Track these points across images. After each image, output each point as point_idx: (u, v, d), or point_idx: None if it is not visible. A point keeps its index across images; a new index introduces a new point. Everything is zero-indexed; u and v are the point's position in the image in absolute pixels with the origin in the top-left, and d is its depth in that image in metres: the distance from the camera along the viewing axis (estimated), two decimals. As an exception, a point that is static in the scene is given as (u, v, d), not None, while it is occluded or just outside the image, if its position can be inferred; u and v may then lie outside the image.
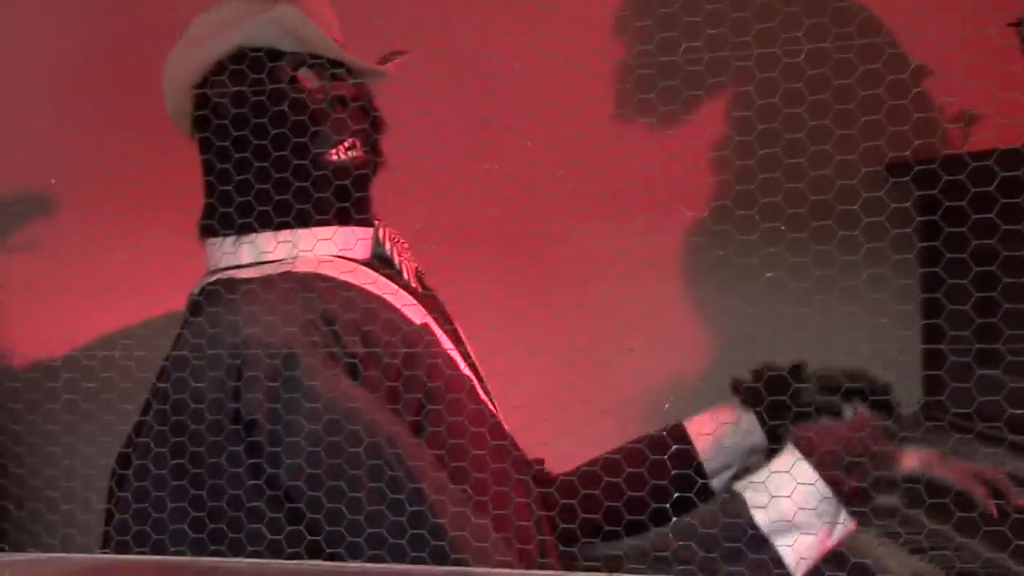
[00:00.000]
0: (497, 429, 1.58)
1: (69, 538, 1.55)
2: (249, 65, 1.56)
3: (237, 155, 1.55)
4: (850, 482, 1.44)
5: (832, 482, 1.44)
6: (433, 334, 1.57)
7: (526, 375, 1.67)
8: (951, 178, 1.47)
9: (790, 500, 1.43)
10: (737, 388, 1.71)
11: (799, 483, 1.43)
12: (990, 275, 1.71)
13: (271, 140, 1.54)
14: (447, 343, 1.59)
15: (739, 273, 1.84)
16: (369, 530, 1.35)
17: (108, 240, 2.06)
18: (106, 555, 1.42)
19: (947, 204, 1.45)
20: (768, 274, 1.82)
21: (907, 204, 1.90)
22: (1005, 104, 1.44)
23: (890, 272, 1.62)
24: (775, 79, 1.58)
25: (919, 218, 1.94)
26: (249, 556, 1.37)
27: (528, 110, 2.01)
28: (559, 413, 1.73)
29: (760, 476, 1.46)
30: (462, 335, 1.67)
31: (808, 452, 1.45)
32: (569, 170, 1.99)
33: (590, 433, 1.79)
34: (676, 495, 1.59)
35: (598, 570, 1.44)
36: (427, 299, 1.63)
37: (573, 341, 2.07)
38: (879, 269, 1.58)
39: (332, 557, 1.36)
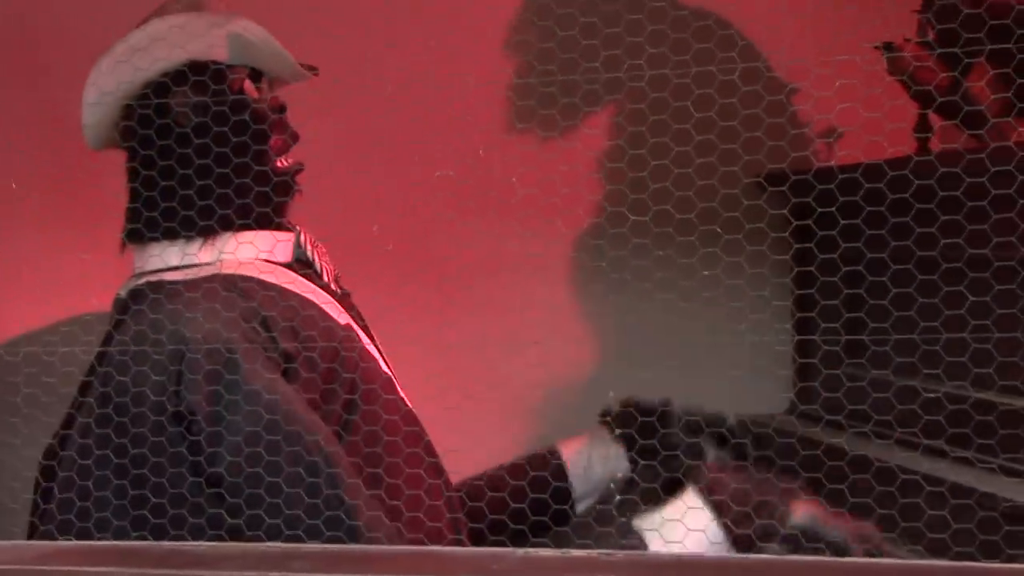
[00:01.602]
0: (413, 420, 1.65)
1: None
2: (202, 77, 1.59)
3: (186, 163, 1.58)
4: (741, 529, 1.48)
5: (726, 529, 1.48)
6: (357, 336, 1.63)
7: (430, 368, 1.74)
8: (822, 188, 1.57)
9: (693, 546, 1.47)
10: (606, 420, 1.79)
11: (694, 529, 1.48)
12: (857, 274, 1.85)
13: (228, 149, 1.57)
14: (367, 342, 1.66)
15: (633, 272, 1.92)
16: (306, 522, 1.39)
17: (27, 242, 2.07)
18: (67, 542, 1.45)
19: (819, 211, 1.56)
20: (659, 274, 1.93)
21: (783, 211, 2.02)
22: (870, 122, 1.52)
23: (768, 272, 1.73)
24: (665, 98, 1.66)
25: (794, 223, 2.04)
26: (191, 548, 1.40)
27: (430, 123, 2.06)
28: (469, 403, 1.79)
29: (658, 519, 1.50)
30: (373, 333, 1.72)
31: (711, 501, 1.50)
32: (469, 177, 2.06)
33: (493, 423, 1.87)
34: (553, 508, 1.65)
35: None
36: (345, 300, 1.69)
37: (472, 336, 2.13)
38: (759, 269, 1.67)
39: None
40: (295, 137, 1.66)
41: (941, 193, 1.45)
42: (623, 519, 1.55)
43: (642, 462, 1.71)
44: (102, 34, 1.63)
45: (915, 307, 1.54)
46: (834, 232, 1.63)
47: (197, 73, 1.60)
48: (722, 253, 1.65)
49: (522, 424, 2.14)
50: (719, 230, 1.66)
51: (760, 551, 1.48)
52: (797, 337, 2.11)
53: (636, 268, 1.91)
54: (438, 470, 1.67)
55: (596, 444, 1.79)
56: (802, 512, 1.51)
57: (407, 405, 1.68)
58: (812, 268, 1.89)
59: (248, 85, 1.64)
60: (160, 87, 1.60)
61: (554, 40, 1.79)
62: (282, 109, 1.66)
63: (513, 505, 1.71)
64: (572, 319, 2.23)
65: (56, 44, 2.10)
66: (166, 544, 1.41)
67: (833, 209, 1.53)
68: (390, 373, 1.68)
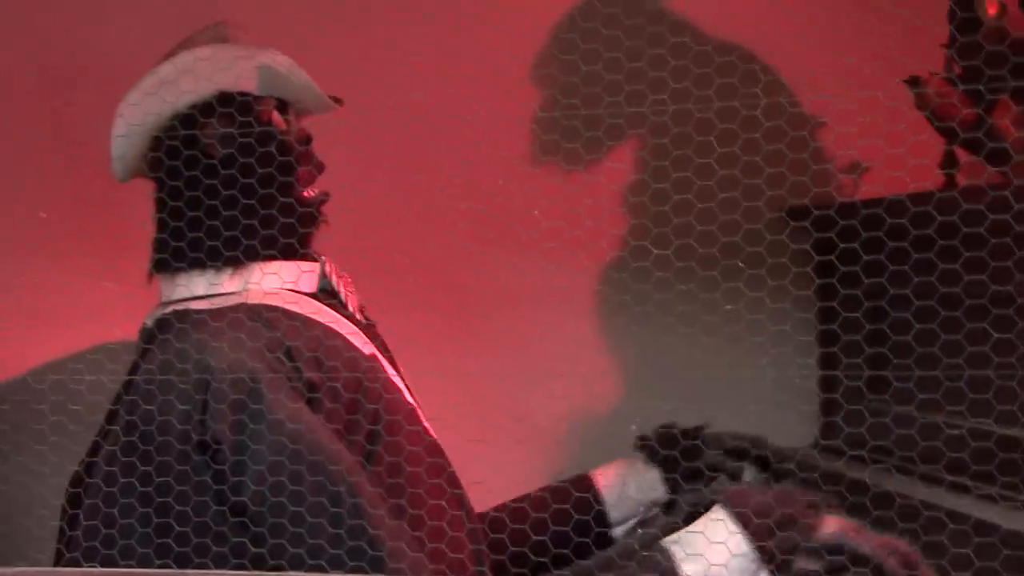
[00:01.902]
0: (437, 451, 1.65)
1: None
2: (231, 109, 1.60)
3: (214, 194, 1.59)
4: (772, 545, 1.46)
5: (757, 543, 1.46)
6: (382, 366, 1.63)
7: (455, 399, 1.74)
8: (845, 223, 1.56)
9: (717, 558, 1.46)
10: (642, 445, 1.80)
11: (733, 553, 1.46)
12: (880, 310, 1.85)
13: (257, 180, 1.59)
14: (394, 374, 1.66)
15: (656, 306, 1.93)
16: (330, 552, 1.40)
17: (53, 271, 2.09)
18: (92, 568, 1.46)
19: (842, 246, 1.53)
20: (681, 308, 1.94)
21: (806, 246, 1.98)
22: (895, 156, 1.54)
23: (791, 307, 1.73)
24: (688, 132, 1.68)
25: (817, 258, 2.00)
26: (219, 576, 1.40)
27: (455, 152, 2.08)
28: (491, 433, 1.80)
29: (692, 539, 1.48)
30: (398, 364, 1.73)
31: (743, 521, 1.47)
32: (492, 208, 2.08)
33: (516, 455, 1.88)
34: (576, 540, 1.64)
35: None
36: (369, 329, 1.70)
37: (495, 367, 2.12)
38: (782, 304, 1.66)
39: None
40: (321, 167, 1.68)
41: (965, 229, 1.45)
42: (652, 533, 1.54)
43: (685, 486, 1.72)
44: (129, 65, 1.66)
45: (938, 343, 1.54)
46: (857, 267, 1.64)
47: (225, 104, 1.62)
48: (745, 288, 1.65)
49: (545, 456, 2.14)
50: (742, 264, 1.66)
51: (788, 564, 1.47)
52: (820, 372, 2.10)
53: (659, 302, 1.91)
54: (461, 501, 1.67)
55: (630, 470, 1.80)
56: (831, 526, 1.50)
57: (431, 436, 1.68)
58: (834, 303, 1.89)
59: (276, 116, 1.66)
60: (189, 118, 1.62)
61: (578, 75, 1.81)
62: (308, 140, 1.68)
63: (536, 537, 1.71)
64: (595, 352, 2.23)
65: (84, 76, 2.11)
66: (190, 572, 1.42)
67: (856, 244, 1.53)
68: (414, 404, 1.68)
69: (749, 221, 1.75)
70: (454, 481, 1.68)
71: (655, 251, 1.85)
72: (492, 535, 1.73)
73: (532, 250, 2.14)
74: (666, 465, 1.78)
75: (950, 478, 1.67)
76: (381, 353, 1.68)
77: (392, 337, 1.75)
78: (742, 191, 1.71)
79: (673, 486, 1.76)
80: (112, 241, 1.98)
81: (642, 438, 1.81)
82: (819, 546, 1.47)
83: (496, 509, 1.81)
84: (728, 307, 1.77)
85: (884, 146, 1.56)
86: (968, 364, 1.50)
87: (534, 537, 1.70)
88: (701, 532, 1.48)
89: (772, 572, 1.48)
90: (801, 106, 2.06)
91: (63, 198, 2.03)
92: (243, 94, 1.63)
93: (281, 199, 1.61)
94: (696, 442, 1.77)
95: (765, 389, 1.99)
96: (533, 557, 1.67)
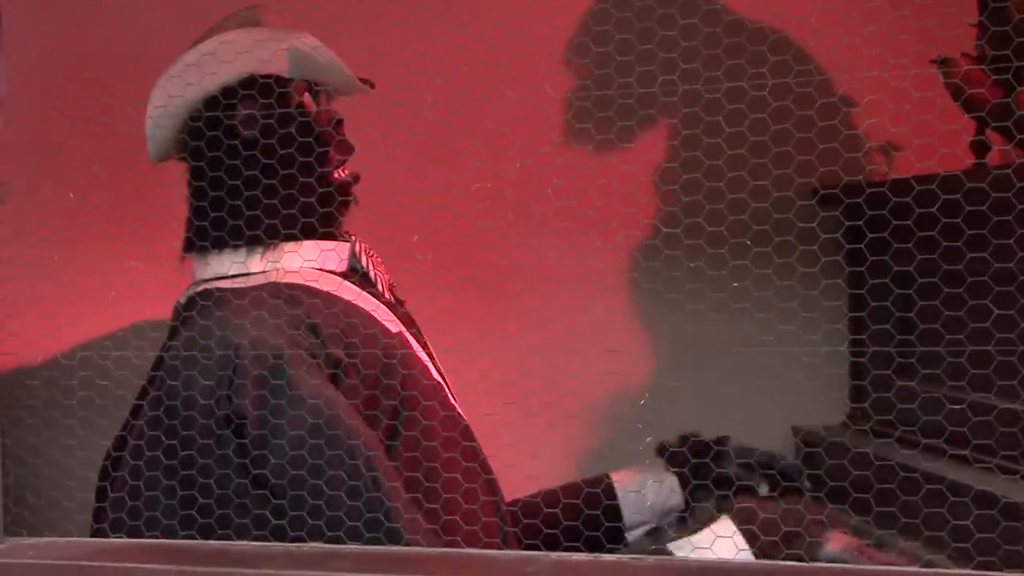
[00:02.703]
0: (466, 432, 1.67)
1: (84, 524, 1.65)
2: (264, 92, 1.63)
3: (244, 176, 1.62)
4: (778, 557, 1.48)
5: (763, 556, 1.48)
6: (408, 343, 1.66)
7: (487, 378, 1.76)
8: (875, 212, 1.56)
9: None
10: (663, 452, 1.80)
11: (734, 552, 1.48)
12: (908, 298, 1.86)
13: (289, 161, 1.62)
14: (420, 351, 1.68)
15: (687, 293, 1.93)
16: (347, 524, 1.42)
17: (84, 251, 2.13)
18: (119, 539, 1.50)
19: (871, 235, 1.56)
20: (712, 294, 1.94)
21: (836, 235, 2.02)
22: (928, 137, 1.54)
23: (821, 295, 1.71)
24: (719, 121, 1.68)
25: (847, 246, 2.04)
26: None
27: (482, 136, 2.08)
28: (521, 416, 1.81)
29: (700, 541, 1.50)
30: (428, 343, 1.75)
31: (745, 530, 1.49)
32: (519, 193, 2.07)
33: (547, 432, 1.88)
34: (587, 534, 1.66)
35: None
36: (398, 309, 1.72)
37: (530, 347, 2.13)
38: (811, 292, 1.67)
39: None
40: (351, 149, 1.70)
41: (993, 217, 1.45)
42: (662, 540, 1.56)
43: (695, 500, 1.74)
44: (161, 52, 1.69)
45: (966, 330, 1.54)
46: (886, 256, 1.65)
47: (255, 87, 1.64)
48: (774, 276, 1.65)
49: (576, 438, 2.15)
50: (772, 253, 1.67)
51: None
52: (850, 359, 2.11)
53: (690, 290, 1.91)
54: (492, 487, 1.69)
55: (649, 474, 1.81)
56: (837, 543, 1.52)
57: (461, 417, 1.70)
58: (863, 291, 1.90)
59: (306, 98, 1.68)
60: (218, 101, 1.65)
61: (611, 65, 1.82)
62: (339, 122, 1.70)
63: (565, 522, 1.72)
64: (626, 336, 2.24)
65: (116, 62, 2.15)
66: (212, 543, 1.45)
67: (885, 234, 1.53)
68: (441, 381, 1.70)
69: (779, 210, 1.76)
70: (487, 467, 1.70)
71: (686, 240, 1.87)
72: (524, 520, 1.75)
73: (563, 234, 2.16)
74: (685, 474, 1.78)
75: (979, 460, 1.67)
76: (409, 331, 1.69)
77: (421, 320, 1.77)
78: (773, 179, 1.72)
79: (692, 494, 1.76)
80: (144, 222, 2.01)
81: (661, 448, 1.82)
82: (821, 558, 1.48)
83: (511, 504, 1.81)
84: (758, 295, 1.76)
85: (915, 130, 1.57)
86: (997, 350, 1.50)
87: (548, 531, 1.71)
88: (708, 547, 1.49)
89: None
90: (834, 91, 2.06)
91: (97, 179, 2.07)
92: (273, 76, 1.65)
93: (310, 180, 1.63)
94: (719, 448, 1.77)
95: (796, 375, 1.98)
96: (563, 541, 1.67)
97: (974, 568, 1.32)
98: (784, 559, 1.47)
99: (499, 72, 2.09)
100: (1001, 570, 1.19)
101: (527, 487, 1.82)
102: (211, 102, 1.66)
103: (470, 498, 1.57)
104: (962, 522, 1.42)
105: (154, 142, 1.70)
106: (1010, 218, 1.49)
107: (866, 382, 2.02)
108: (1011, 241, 1.50)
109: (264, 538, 1.45)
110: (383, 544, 1.42)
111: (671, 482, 1.79)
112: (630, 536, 1.79)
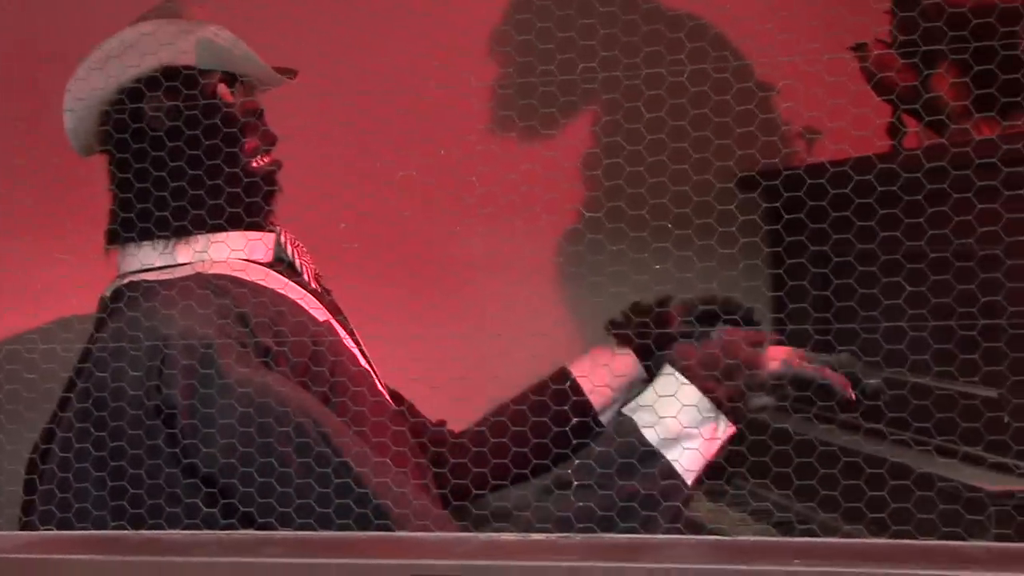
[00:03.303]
0: (395, 418, 1.69)
1: (12, 518, 1.65)
2: (176, 83, 1.64)
3: (160, 166, 1.62)
4: (724, 389, 1.53)
5: (709, 393, 1.53)
6: (335, 331, 1.67)
7: (414, 364, 1.77)
8: (791, 194, 1.61)
9: (675, 418, 1.52)
10: (612, 330, 1.82)
11: (681, 402, 1.52)
12: (825, 277, 1.91)
13: (202, 152, 1.62)
14: (347, 339, 1.70)
15: (611, 277, 1.96)
16: (298, 502, 1.44)
17: (14, 245, 2.11)
18: (49, 531, 1.50)
19: (788, 216, 1.58)
20: (635, 276, 1.96)
21: (755, 216, 2.04)
22: (844, 120, 1.59)
23: (740, 275, 1.73)
24: (639, 108, 1.72)
25: (765, 228, 2.09)
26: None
27: (409, 126, 2.12)
28: (447, 400, 1.83)
29: (646, 399, 1.55)
30: (355, 330, 1.76)
31: (685, 370, 1.55)
32: (444, 181, 2.10)
33: (476, 416, 1.90)
34: (573, 440, 1.66)
35: (487, 519, 1.51)
36: (324, 298, 1.74)
37: (452, 331, 2.17)
38: (731, 272, 1.70)
39: (263, 528, 1.45)
40: (271, 139, 1.71)
41: (905, 196, 1.49)
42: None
43: (655, 366, 1.71)
44: (85, 42, 1.69)
45: (880, 307, 1.59)
46: (803, 236, 1.69)
47: (169, 78, 1.65)
48: (695, 258, 1.69)
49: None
50: (692, 235, 1.70)
51: (747, 405, 1.55)
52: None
53: (613, 273, 1.94)
54: (422, 470, 1.71)
55: (602, 356, 1.82)
56: (776, 357, 1.59)
57: (389, 403, 1.72)
58: (782, 271, 1.94)
59: (221, 89, 1.68)
60: (134, 92, 1.66)
61: (533, 53, 1.85)
62: (256, 112, 1.70)
63: (534, 418, 1.75)
64: (552, 320, 2.27)
65: (38, 53, 2.14)
66: (143, 532, 1.46)
67: (802, 215, 1.57)
68: (369, 369, 1.71)
69: (700, 193, 1.79)
70: (415, 450, 1.72)
71: (608, 224, 1.90)
72: (482, 447, 1.77)
73: (488, 221, 2.18)
74: (639, 347, 1.79)
75: (892, 434, 1.72)
76: (335, 319, 1.71)
77: (348, 308, 1.78)
78: (692, 163, 1.75)
79: (650, 363, 1.77)
80: (69, 214, 2.01)
81: (612, 323, 1.83)
82: (768, 379, 1.55)
83: (479, 423, 1.84)
84: (679, 276, 1.78)
85: (832, 114, 1.60)
86: (909, 326, 1.55)
87: (515, 428, 1.73)
88: (651, 404, 1.53)
89: (729, 416, 1.54)
90: (752, 76, 2.11)
91: (21, 175, 2.06)
92: (186, 68, 1.66)
93: (228, 170, 1.64)
94: (664, 310, 1.78)
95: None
96: (533, 459, 1.70)
97: (890, 537, 1.37)
98: (727, 394, 1.53)
99: (423, 61, 2.12)
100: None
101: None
102: (124, 94, 1.66)
103: (401, 482, 1.58)
104: (878, 493, 1.46)
105: (74, 134, 1.70)
106: (920, 198, 1.53)
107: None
108: (922, 220, 1.55)
109: (195, 527, 1.46)
110: (355, 511, 1.43)
111: (627, 359, 1.80)
112: (603, 417, 1.80)
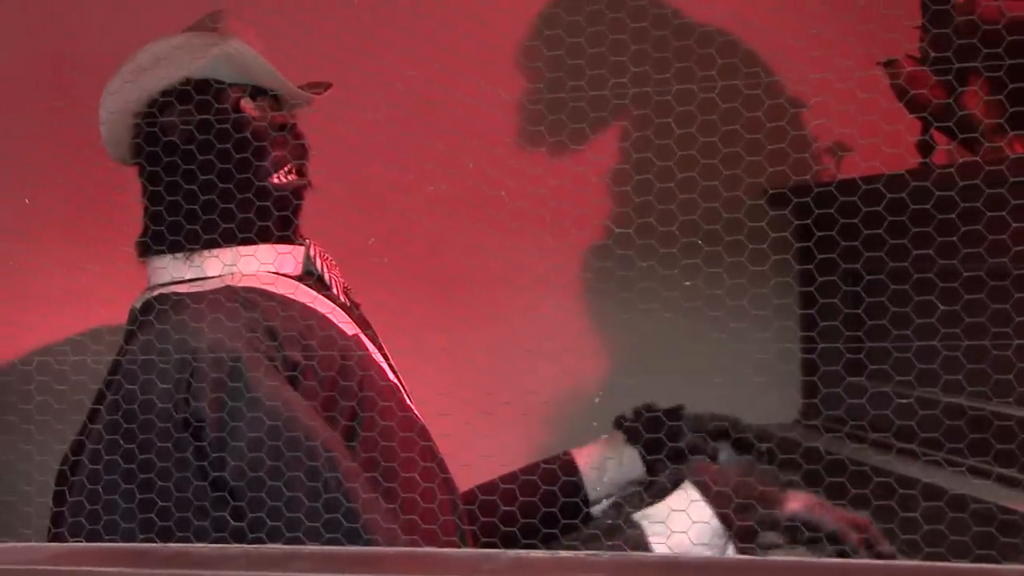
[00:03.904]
0: (423, 432, 1.68)
1: (42, 529, 1.65)
2: (199, 96, 1.64)
3: (186, 179, 1.63)
4: (739, 520, 1.52)
5: (724, 519, 1.52)
6: (364, 345, 1.67)
7: (443, 378, 1.78)
8: (822, 211, 1.60)
9: (686, 535, 1.50)
10: (620, 425, 1.83)
11: (695, 520, 1.51)
12: (856, 295, 1.89)
13: (224, 165, 1.62)
14: (375, 353, 1.69)
15: (640, 293, 1.96)
16: (307, 525, 1.43)
17: (40, 256, 2.12)
18: (78, 544, 1.50)
19: (819, 234, 1.59)
20: (664, 293, 1.96)
21: (786, 233, 2.05)
22: (878, 138, 1.58)
23: (771, 292, 1.75)
24: (669, 124, 1.68)
25: (796, 245, 2.08)
26: (201, 548, 1.44)
27: (438, 140, 2.12)
28: (475, 415, 1.83)
29: (660, 511, 1.54)
30: (383, 344, 1.76)
31: (705, 491, 1.54)
32: (474, 195, 2.11)
33: (504, 431, 1.90)
34: (563, 522, 1.66)
35: None
36: (353, 312, 1.73)
37: (484, 349, 2.17)
38: (762, 290, 1.70)
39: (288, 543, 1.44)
40: (301, 153, 1.71)
41: (938, 215, 1.48)
42: (628, 511, 1.58)
43: (654, 472, 1.74)
44: (119, 54, 1.69)
45: (913, 326, 1.57)
46: (834, 254, 1.67)
47: (195, 91, 1.66)
48: (725, 275, 1.68)
49: (533, 437, 2.17)
50: (723, 252, 1.69)
51: (753, 537, 1.53)
52: (801, 356, 2.14)
53: (642, 289, 1.94)
54: (449, 486, 1.70)
55: (610, 449, 1.83)
56: (796, 501, 1.57)
57: (417, 418, 1.71)
58: (813, 289, 1.93)
59: (245, 103, 1.68)
60: (162, 105, 1.67)
61: (563, 68, 1.84)
62: (283, 126, 1.70)
63: (524, 513, 1.74)
64: (580, 336, 2.26)
65: (72, 65, 2.15)
66: (172, 546, 1.45)
67: (833, 232, 1.57)
68: (398, 383, 1.71)
69: (730, 210, 1.78)
70: (443, 466, 1.71)
71: (638, 240, 1.89)
72: (481, 517, 1.76)
73: (516, 236, 2.18)
74: (646, 446, 1.80)
75: (925, 454, 1.70)
76: (364, 334, 1.70)
77: (377, 322, 1.78)
78: (722, 180, 1.75)
79: (652, 466, 1.78)
80: (100, 225, 2.01)
81: (622, 418, 1.84)
82: (782, 519, 1.53)
83: (482, 489, 1.83)
84: (709, 293, 1.78)
85: (862, 130, 1.59)
86: (943, 345, 1.54)
87: (505, 508, 1.73)
88: (663, 520, 1.52)
89: (738, 544, 1.52)
90: (783, 92, 2.10)
91: (53, 184, 2.07)
92: (213, 81, 1.67)
93: (254, 184, 1.64)
94: (675, 423, 1.79)
95: (747, 372, 2.01)
96: (520, 538, 1.69)
97: (923, 559, 1.35)
98: (737, 511, 1.52)
99: (452, 75, 2.12)
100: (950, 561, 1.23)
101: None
102: (152, 106, 1.67)
103: (428, 497, 1.58)
104: (911, 514, 1.45)
105: (109, 144, 1.71)
106: (953, 216, 1.52)
107: (816, 378, 2.05)
108: (955, 238, 1.53)
109: (224, 541, 1.46)
110: (343, 544, 1.43)
111: (631, 455, 1.81)
112: (595, 510, 1.79)
